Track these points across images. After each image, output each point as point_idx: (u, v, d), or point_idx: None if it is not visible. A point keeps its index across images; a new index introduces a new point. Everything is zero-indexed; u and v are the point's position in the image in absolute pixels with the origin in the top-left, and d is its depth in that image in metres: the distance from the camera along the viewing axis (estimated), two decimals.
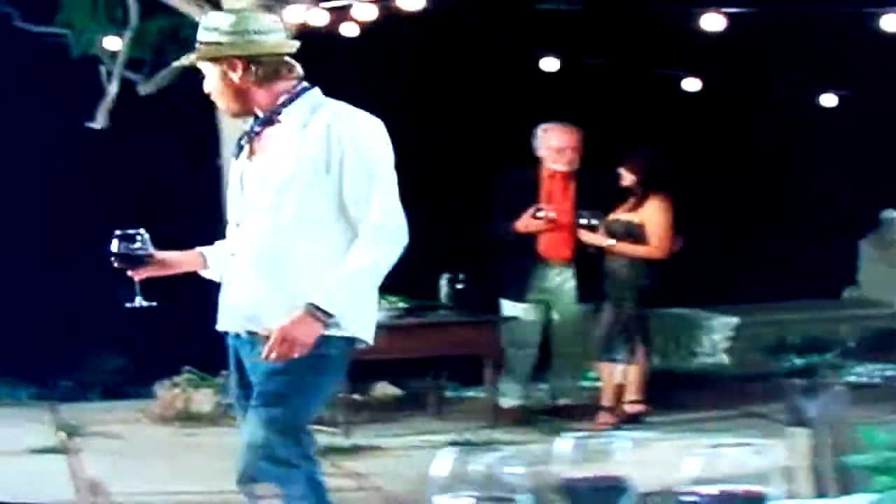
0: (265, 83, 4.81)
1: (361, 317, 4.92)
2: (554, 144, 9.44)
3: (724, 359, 11.61)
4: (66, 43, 10.81)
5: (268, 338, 4.71)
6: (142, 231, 4.90)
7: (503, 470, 2.76)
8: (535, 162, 9.58)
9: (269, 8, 8.93)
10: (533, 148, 9.60)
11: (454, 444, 8.74)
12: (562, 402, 9.87)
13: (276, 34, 4.88)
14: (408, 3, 8.80)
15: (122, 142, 10.85)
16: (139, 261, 4.92)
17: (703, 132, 11.05)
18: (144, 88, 10.66)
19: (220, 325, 5.04)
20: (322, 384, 4.95)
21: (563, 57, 11.10)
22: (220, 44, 4.80)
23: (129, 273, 4.93)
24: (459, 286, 9.33)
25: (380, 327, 8.14)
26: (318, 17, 9.38)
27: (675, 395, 10.03)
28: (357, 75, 10.46)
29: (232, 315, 4.97)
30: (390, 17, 9.50)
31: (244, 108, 4.88)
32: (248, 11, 5.64)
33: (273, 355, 4.68)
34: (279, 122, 4.83)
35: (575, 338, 9.70)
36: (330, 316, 4.69)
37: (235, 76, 4.80)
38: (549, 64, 11.18)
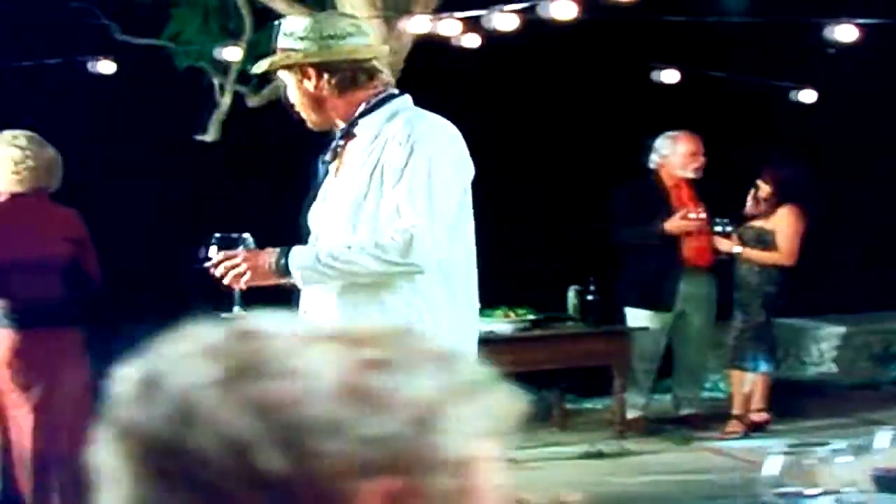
0: (343, 92, 4.45)
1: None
2: (684, 151, 9.51)
3: (832, 368, 11.56)
4: (168, 54, 10.71)
5: None
6: (246, 235, 4.46)
7: (834, 463, 2.78)
8: (648, 172, 9.64)
9: (387, 19, 9.00)
10: (647, 158, 9.65)
11: (587, 455, 8.82)
12: (684, 411, 9.85)
13: (354, 38, 4.48)
14: (560, 12, 8.63)
15: (233, 154, 10.74)
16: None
17: (817, 143, 10.96)
18: (253, 101, 10.56)
19: None
20: None
21: (683, 69, 11.07)
22: (294, 50, 4.48)
23: (233, 280, 4.43)
24: (590, 297, 9.27)
25: (509, 340, 8.44)
26: (449, 28, 9.29)
27: (791, 403, 9.99)
28: (476, 86, 10.44)
29: None
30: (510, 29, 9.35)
31: (324, 119, 4.52)
32: (325, 15, 5.22)
33: (219, 264, 4.38)
34: (355, 134, 4.49)
35: (701, 346, 9.76)
36: (287, 271, 4.32)
37: (311, 85, 4.46)
38: (670, 76, 11.17)
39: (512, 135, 10.84)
